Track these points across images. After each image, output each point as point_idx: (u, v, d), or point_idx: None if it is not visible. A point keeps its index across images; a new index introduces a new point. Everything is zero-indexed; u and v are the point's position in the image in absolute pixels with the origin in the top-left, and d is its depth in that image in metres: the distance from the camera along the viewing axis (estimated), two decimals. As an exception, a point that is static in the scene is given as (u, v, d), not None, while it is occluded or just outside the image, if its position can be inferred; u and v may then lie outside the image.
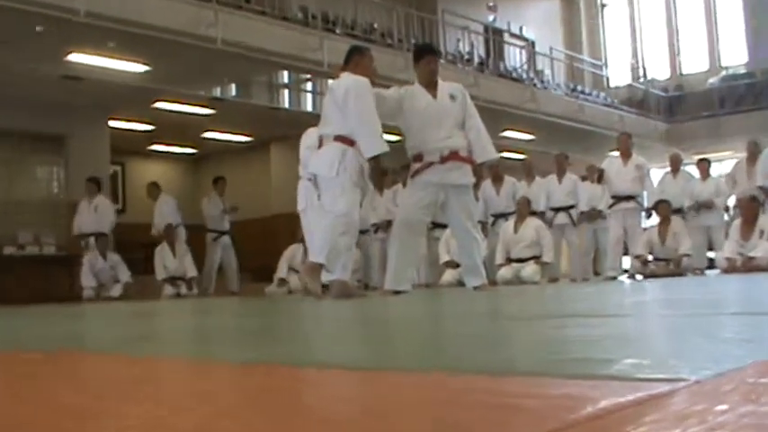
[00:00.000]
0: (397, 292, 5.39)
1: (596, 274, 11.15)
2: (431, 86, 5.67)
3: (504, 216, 10.00)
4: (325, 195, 5.17)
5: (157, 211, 10.79)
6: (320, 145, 5.26)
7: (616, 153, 9.57)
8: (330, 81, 5.35)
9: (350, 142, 5.09)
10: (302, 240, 9.81)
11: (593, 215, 10.12)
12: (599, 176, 9.23)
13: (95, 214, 10.00)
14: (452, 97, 5.66)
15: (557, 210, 9.96)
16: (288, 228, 11.01)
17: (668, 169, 10.51)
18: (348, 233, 5.09)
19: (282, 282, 9.84)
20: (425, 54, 5.76)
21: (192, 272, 10.28)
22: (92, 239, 9.94)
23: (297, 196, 6.73)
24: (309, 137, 6.55)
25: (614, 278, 9.10)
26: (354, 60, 5.33)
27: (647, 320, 2.11)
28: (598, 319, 2.16)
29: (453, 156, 5.54)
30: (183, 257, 10.29)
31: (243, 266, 11.65)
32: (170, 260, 10.24)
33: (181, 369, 1.36)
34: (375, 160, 5.13)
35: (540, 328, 1.87)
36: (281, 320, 2.95)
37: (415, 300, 4.61)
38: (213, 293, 10.74)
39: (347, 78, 5.19)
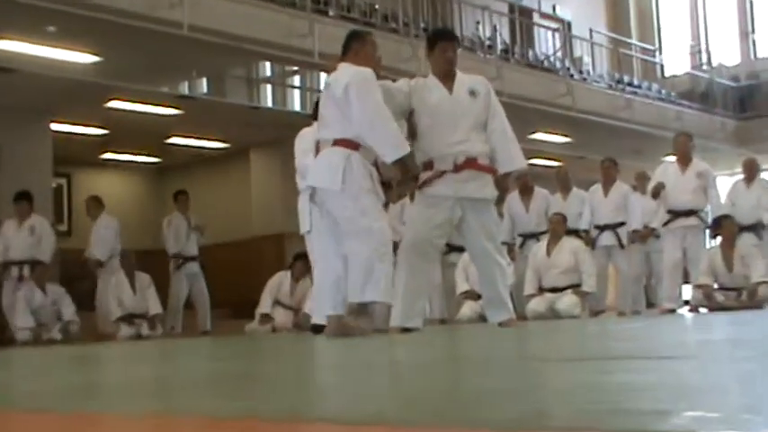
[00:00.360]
0: (405, 330, 5.41)
1: (650, 306, 11.09)
2: (447, 79, 5.71)
3: (535, 236, 10.01)
4: (337, 211, 5.16)
5: (96, 235, 10.78)
6: (317, 151, 5.31)
7: (673, 158, 9.57)
8: (325, 75, 5.39)
9: (354, 146, 5.13)
10: (291, 267, 10.03)
11: (645, 234, 10.11)
12: (655, 192, 9.19)
13: (30, 238, 9.98)
14: (473, 93, 5.69)
15: (602, 228, 9.97)
16: (273, 253, 11.21)
17: (741, 177, 10.49)
18: (386, 256, 5.11)
19: (266, 318, 9.88)
20: (440, 40, 5.81)
21: (155, 308, 10.29)
22: (26, 268, 9.93)
23: (298, 215, 6.71)
24: (304, 140, 6.59)
25: (672, 311, 9.07)
26: (354, 48, 5.36)
27: (713, 364, 2.09)
28: (651, 361, 2.15)
29: (470, 163, 5.56)
30: (145, 291, 10.27)
31: (218, 300, 11.65)
32: (128, 294, 10.24)
33: (133, 428, 1.35)
34: (398, 164, 5.17)
35: (580, 373, 1.86)
36: (262, 365, 2.94)
37: (428, 339, 4.62)
38: (181, 333, 10.75)
39: (346, 70, 5.21)
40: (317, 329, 5.86)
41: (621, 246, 9.91)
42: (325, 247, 5.35)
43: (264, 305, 9.91)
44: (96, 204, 11.02)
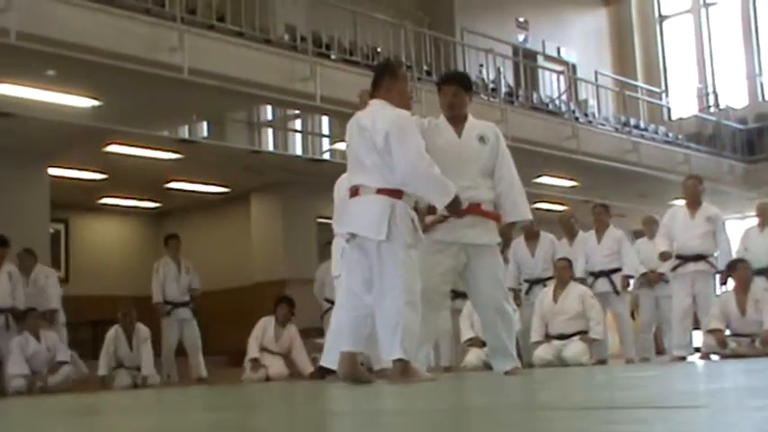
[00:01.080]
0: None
1: (660, 353, 11.01)
2: (457, 123, 5.75)
3: (542, 282, 9.97)
4: (376, 261, 5.09)
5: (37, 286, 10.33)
6: (354, 194, 5.20)
7: (681, 202, 9.56)
8: (358, 114, 5.29)
9: (398, 195, 5.08)
10: (274, 312, 10.07)
11: (654, 279, 10.07)
12: (662, 259, 9.21)
13: (8, 284, 9.89)
14: (482, 139, 5.72)
15: (596, 275, 9.96)
16: (274, 300, 10.86)
17: (753, 222, 10.45)
18: (416, 311, 5.06)
19: (256, 363, 9.90)
20: (441, 84, 5.88)
21: (148, 369, 10.19)
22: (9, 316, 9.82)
23: (332, 258, 6.73)
24: (343, 186, 6.49)
25: (683, 359, 9.00)
26: (386, 85, 5.26)
27: (725, 414, 2.06)
28: (660, 411, 2.12)
29: (473, 208, 5.57)
30: (140, 346, 10.18)
31: (217, 348, 11.60)
32: (124, 349, 10.20)
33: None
34: (449, 207, 5.18)
35: (586, 423, 1.83)
36: (262, 418, 2.91)
37: (432, 386, 4.58)
38: (177, 381, 10.70)
39: (383, 111, 5.13)
40: (324, 373, 5.74)
41: (616, 292, 9.89)
42: (354, 284, 5.25)
43: (252, 351, 9.91)
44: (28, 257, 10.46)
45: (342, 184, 6.47)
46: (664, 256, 9.21)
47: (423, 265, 5.44)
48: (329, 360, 5.74)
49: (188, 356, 11.02)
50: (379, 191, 5.06)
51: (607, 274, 9.88)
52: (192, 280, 11.09)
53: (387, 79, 5.27)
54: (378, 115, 5.11)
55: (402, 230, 5.03)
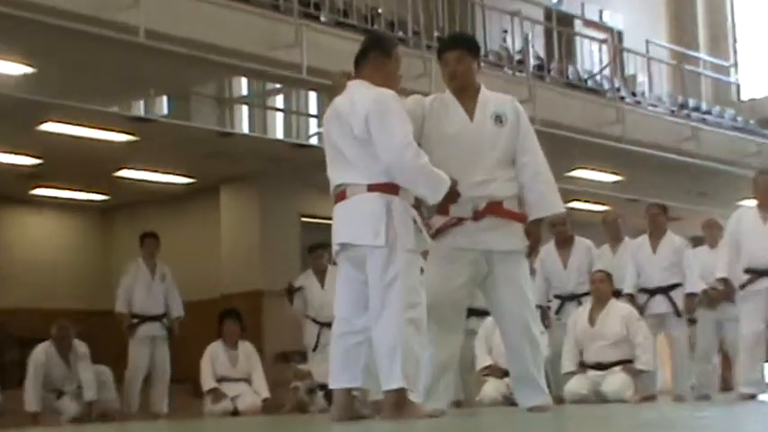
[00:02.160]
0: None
1: (724, 389, 10.99)
2: (466, 98, 5.73)
3: (576, 298, 9.99)
4: (373, 272, 5.13)
5: None
6: (340, 197, 5.26)
7: (752, 202, 9.56)
8: (335, 101, 5.34)
9: (394, 190, 5.14)
10: (219, 333, 10.23)
11: (717, 297, 9.96)
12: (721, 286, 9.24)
13: None
14: (499, 118, 5.71)
15: (651, 292, 9.93)
16: (248, 315, 11.12)
17: None
18: (421, 330, 5.11)
19: (217, 394, 10.03)
20: (443, 50, 5.86)
21: (91, 392, 10.18)
22: None
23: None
24: None
25: (752, 397, 8.99)
26: (374, 62, 5.33)
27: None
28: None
29: (493, 208, 5.59)
30: (78, 364, 10.18)
31: (178, 374, 11.54)
32: (60, 371, 10.17)
33: None
34: (444, 200, 5.25)
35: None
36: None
37: (434, 425, 4.60)
38: (136, 415, 10.76)
39: (363, 92, 5.20)
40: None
41: (678, 314, 9.88)
42: (344, 307, 5.33)
43: (207, 382, 10.10)
44: None
45: None
46: (723, 291, 9.23)
47: (435, 278, 5.52)
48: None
49: (151, 384, 11.10)
50: (371, 187, 5.12)
51: (665, 290, 9.86)
52: (168, 294, 11.21)
53: (376, 56, 5.33)
54: (357, 97, 5.17)
55: (402, 233, 5.09)
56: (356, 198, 5.15)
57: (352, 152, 5.16)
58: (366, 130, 5.06)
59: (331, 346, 5.46)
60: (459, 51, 5.77)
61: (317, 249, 10.77)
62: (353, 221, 5.16)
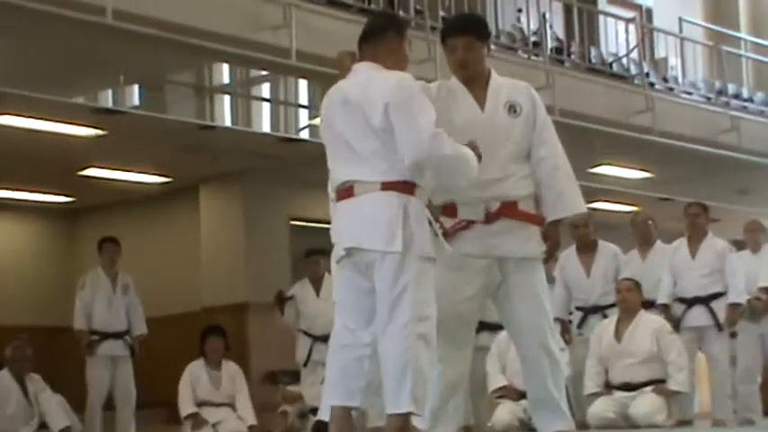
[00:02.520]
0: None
1: (768, 413, 11.02)
2: (476, 86, 5.63)
3: (600, 311, 9.94)
4: (382, 281, 5.07)
5: None
6: (346, 195, 5.19)
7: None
8: (339, 85, 5.30)
9: (410, 189, 5.12)
10: (201, 352, 10.23)
11: (760, 309, 10.05)
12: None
13: None
14: (513, 108, 5.61)
15: (689, 302, 9.85)
16: (231, 331, 11.03)
17: None
18: (430, 346, 5.08)
19: (197, 420, 9.97)
20: (448, 35, 5.75)
21: (61, 420, 10.07)
22: None
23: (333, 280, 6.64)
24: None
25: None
26: (387, 43, 5.30)
27: None
28: None
29: (507, 209, 5.51)
30: (38, 396, 10.03)
31: (151, 397, 11.53)
32: (17, 400, 10.03)
33: None
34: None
35: None
36: None
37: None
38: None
39: (377, 76, 5.17)
40: (321, 428, 5.97)
41: (719, 327, 9.81)
42: (346, 317, 5.29)
43: (186, 406, 10.07)
44: None
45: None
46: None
47: (441, 288, 5.39)
48: (326, 414, 5.79)
49: (116, 409, 11.01)
50: (386, 185, 5.05)
51: (705, 300, 9.75)
52: (131, 308, 11.14)
53: (389, 36, 5.31)
54: (372, 82, 5.11)
55: (419, 238, 5.05)
56: (368, 197, 5.09)
57: (365, 145, 5.09)
58: (386, 120, 5.00)
59: (329, 357, 5.41)
60: (468, 37, 5.68)
61: (313, 255, 10.70)
62: (364, 223, 5.09)
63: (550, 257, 5.72)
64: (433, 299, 5.12)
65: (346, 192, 5.16)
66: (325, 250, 10.85)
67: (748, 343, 10.40)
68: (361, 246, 5.08)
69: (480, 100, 5.58)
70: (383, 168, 5.07)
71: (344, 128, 5.14)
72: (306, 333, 10.58)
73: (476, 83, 5.62)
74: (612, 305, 9.70)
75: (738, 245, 10.55)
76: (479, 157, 5.21)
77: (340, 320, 5.32)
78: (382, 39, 5.27)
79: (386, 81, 5.10)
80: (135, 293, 11.23)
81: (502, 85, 5.68)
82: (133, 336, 11.09)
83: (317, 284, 10.67)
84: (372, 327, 5.13)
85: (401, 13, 11.63)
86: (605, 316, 9.72)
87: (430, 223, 5.15)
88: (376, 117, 5.02)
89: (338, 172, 5.23)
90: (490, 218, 5.44)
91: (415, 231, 5.03)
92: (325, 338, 10.19)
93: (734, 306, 9.69)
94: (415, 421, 5.06)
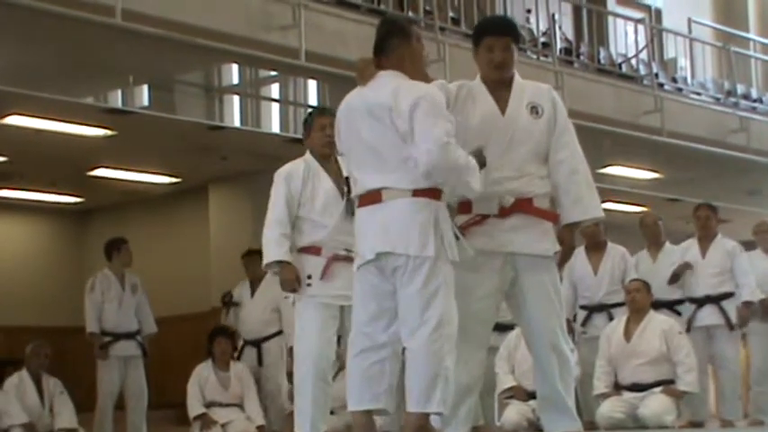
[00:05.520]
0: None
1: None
2: (500, 88, 5.68)
3: (605, 309, 9.99)
4: (407, 287, 5.15)
5: None
6: (372, 201, 5.30)
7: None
8: (362, 92, 5.35)
9: (438, 195, 5.23)
10: (209, 353, 10.24)
11: None
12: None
13: None
14: (535, 109, 5.66)
15: (700, 302, 9.93)
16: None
17: None
18: (453, 347, 5.17)
19: (205, 420, 10.01)
20: (485, 35, 5.76)
21: (66, 420, 10.18)
22: None
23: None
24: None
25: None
26: (396, 50, 5.37)
27: None
28: None
29: (521, 205, 5.54)
30: (54, 400, 10.15)
31: (161, 398, 11.57)
32: (32, 401, 10.14)
33: None
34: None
35: None
36: None
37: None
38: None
39: (404, 85, 5.24)
40: None
41: (730, 326, 9.88)
42: (364, 321, 5.34)
43: (194, 407, 10.10)
44: None
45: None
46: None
47: (457, 289, 5.45)
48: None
49: (126, 410, 11.04)
50: (417, 192, 5.15)
51: (716, 300, 9.83)
52: (140, 308, 11.16)
53: (397, 42, 5.36)
54: (401, 91, 5.17)
55: (449, 243, 5.17)
56: (398, 203, 5.18)
57: (395, 153, 5.17)
58: (410, 126, 5.09)
59: (348, 364, 5.45)
60: (508, 39, 5.74)
61: (253, 254, 10.57)
62: (396, 229, 5.17)
63: (564, 262, 5.81)
64: (452, 304, 5.20)
65: (371, 198, 5.23)
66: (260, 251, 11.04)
67: (760, 344, 10.50)
68: (394, 250, 5.16)
69: (502, 101, 5.62)
70: (415, 176, 5.12)
71: (372, 135, 5.22)
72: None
73: (502, 85, 5.66)
74: (617, 304, 9.77)
75: (749, 246, 10.61)
76: (483, 164, 5.27)
77: (356, 326, 5.38)
78: (390, 49, 5.34)
79: (412, 91, 5.15)
80: (143, 293, 11.25)
81: (525, 86, 5.72)
82: (144, 335, 11.12)
83: (254, 285, 10.77)
84: (392, 329, 5.20)
85: (410, 13, 11.70)
86: (610, 315, 9.79)
87: (454, 231, 5.24)
88: (404, 125, 5.10)
89: (365, 179, 5.27)
90: (504, 212, 5.48)
91: (445, 237, 5.13)
92: (254, 342, 10.40)
93: (746, 304, 9.77)
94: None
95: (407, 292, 5.12)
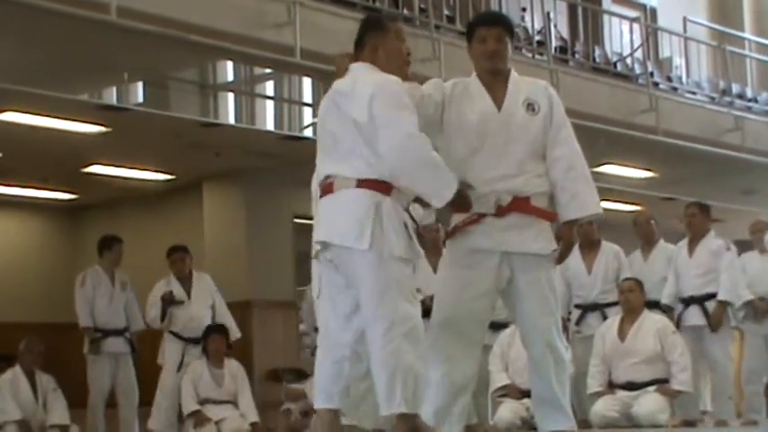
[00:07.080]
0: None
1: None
2: (496, 83, 5.68)
3: (599, 309, 9.99)
4: (356, 279, 5.17)
5: None
6: (327, 191, 5.33)
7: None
8: (335, 84, 5.42)
9: (386, 189, 5.20)
10: (203, 350, 10.23)
11: (764, 310, 10.09)
12: None
13: None
14: (531, 106, 5.65)
15: (688, 301, 9.92)
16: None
17: None
18: (417, 343, 5.16)
19: (199, 417, 10.02)
20: (478, 26, 5.79)
21: (59, 416, 10.19)
22: None
23: (311, 274, 6.61)
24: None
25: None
26: (371, 42, 5.43)
27: None
28: None
29: (518, 204, 5.54)
30: (48, 397, 10.17)
31: (151, 396, 11.32)
32: (26, 397, 10.15)
33: None
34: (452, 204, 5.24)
35: None
36: None
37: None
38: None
39: (364, 78, 5.28)
40: None
41: (712, 327, 9.88)
42: (328, 317, 5.39)
43: (188, 404, 10.12)
44: None
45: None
46: None
47: (451, 285, 5.51)
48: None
49: (118, 407, 11.06)
50: (361, 183, 5.16)
51: (700, 300, 9.83)
52: (129, 304, 11.17)
53: (371, 36, 5.42)
54: (359, 81, 5.23)
55: (390, 238, 5.13)
56: (342, 193, 5.22)
57: (347, 141, 5.22)
58: (368, 114, 5.11)
59: (318, 359, 5.47)
60: (500, 30, 5.74)
61: (177, 252, 10.91)
62: (336, 219, 5.22)
63: (563, 259, 5.77)
64: (415, 298, 5.20)
65: (327, 188, 5.28)
66: (186, 247, 10.96)
67: (753, 344, 10.50)
68: (332, 241, 5.20)
69: (499, 97, 5.61)
70: (360, 166, 5.17)
71: (333, 124, 5.29)
72: (177, 336, 10.58)
73: (497, 79, 5.65)
74: (611, 304, 9.77)
75: (744, 245, 10.61)
76: (466, 198, 5.25)
77: (322, 319, 5.47)
78: (365, 40, 5.41)
79: (373, 80, 5.20)
80: (131, 290, 11.25)
81: (521, 83, 5.71)
82: (132, 332, 11.12)
83: (186, 284, 10.77)
84: (353, 324, 5.21)
85: (405, 11, 11.69)
86: (604, 314, 9.79)
87: (406, 226, 5.20)
88: (359, 113, 5.13)
89: (322, 167, 5.34)
90: (501, 211, 5.46)
91: (386, 231, 5.10)
92: (195, 340, 10.37)
93: (720, 304, 9.73)
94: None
95: (361, 291, 5.14)
